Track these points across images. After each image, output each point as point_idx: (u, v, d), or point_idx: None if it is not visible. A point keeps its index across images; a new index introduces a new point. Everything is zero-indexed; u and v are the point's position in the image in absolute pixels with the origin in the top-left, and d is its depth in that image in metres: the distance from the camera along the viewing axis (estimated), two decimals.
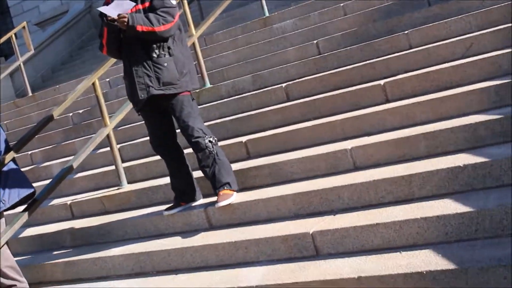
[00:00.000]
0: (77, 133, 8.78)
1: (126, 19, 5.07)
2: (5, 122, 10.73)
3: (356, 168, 5.06)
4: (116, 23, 5.13)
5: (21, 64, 11.98)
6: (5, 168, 5.51)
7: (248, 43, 8.52)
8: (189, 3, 8.32)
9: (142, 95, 5.20)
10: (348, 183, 4.72)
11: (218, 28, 10.21)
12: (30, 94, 12.04)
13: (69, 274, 5.71)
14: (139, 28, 5.08)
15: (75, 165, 6.19)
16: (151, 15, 5.15)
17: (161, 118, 5.38)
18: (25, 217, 5.62)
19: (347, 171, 5.06)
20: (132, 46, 5.24)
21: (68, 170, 6.11)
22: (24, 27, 12.37)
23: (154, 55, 5.19)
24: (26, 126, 10.23)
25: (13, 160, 5.63)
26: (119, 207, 6.32)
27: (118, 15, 5.09)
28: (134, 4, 5.19)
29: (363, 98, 5.87)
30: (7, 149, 5.60)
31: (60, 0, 19.47)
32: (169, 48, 5.22)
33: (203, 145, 5.14)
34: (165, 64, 5.16)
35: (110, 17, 5.15)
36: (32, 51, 12.42)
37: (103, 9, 5.15)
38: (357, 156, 5.07)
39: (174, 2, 5.29)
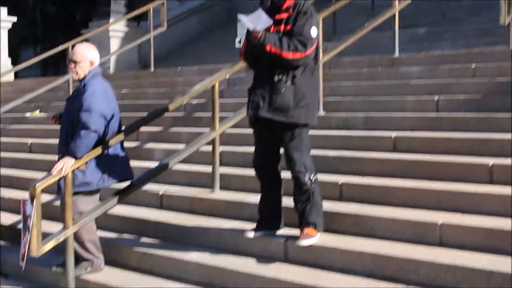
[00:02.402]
0: (186, 123, 9.05)
1: (259, 35, 5.13)
2: (122, 91, 11.13)
3: (441, 245, 5.05)
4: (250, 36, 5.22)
5: (152, 39, 12.39)
6: (112, 148, 5.80)
7: (370, 79, 8.55)
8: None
9: (251, 113, 5.33)
10: (429, 260, 4.73)
11: (347, 50, 10.23)
12: (152, 69, 12.44)
13: (143, 264, 5.95)
14: (267, 47, 5.11)
15: (176, 160, 6.44)
16: (284, 39, 5.16)
17: (272, 139, 5.40)
18: (118, 199, 5.89)
19: (431, 244, 5.06)
20: (262, 63, 5.30)
21: (168, 165, 6.36)
22: (163, 4, 12.76)
23: (276, 78, 5.20)
24: (140, 100, 10.64)
25: (121, 140, 5.91)
26: (206, 211, 6.51)
27: (253, 30, 5.16)
28: (271, 22, 5.23)
29: (468, 173, 5.82)
30: (119, 128, 5.88)
31: None
32: (294, 76, 5.21)
33: (302, 181, 5.23)
34: (282, 91, 5.17)
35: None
36: (165, 28, 12.80)
37: (243, 17, 5.19)
38: (445, 233, 5.06)
39: (314, 34, 5.24)
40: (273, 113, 5.20)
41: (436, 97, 7.35)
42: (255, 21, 5.15)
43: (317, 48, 5.38)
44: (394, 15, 9.17)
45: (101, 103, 5.65)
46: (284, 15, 5.31)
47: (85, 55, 5.85)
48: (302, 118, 5.25)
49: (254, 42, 5.16)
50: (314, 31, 5.26)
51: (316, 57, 5.38)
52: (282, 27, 5.28)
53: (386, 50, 9.95)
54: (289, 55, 5.14)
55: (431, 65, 8.40)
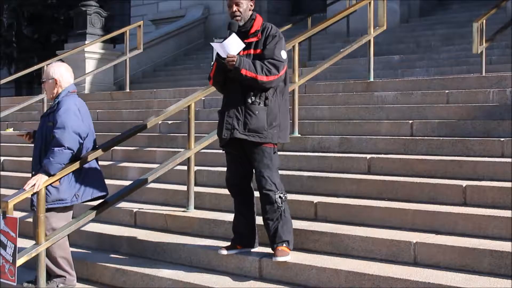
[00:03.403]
0: (161, 143, 9.04)
1: (234, 60, 5.21)
2: (97, 110, 11.10)
3: (416, 264, 5.08)
4: (224, 61, 5.29)
5: (127, 60, 12.42)
6: (86, 165, 5.77)
7: (345, 103, 8.60)
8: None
9: (226, 135, 5.37)
10: (403, 277, 4.75)
11: (322, 76, 10.35)
12: (128, 90, 12.44)
13: (116, 281, 5.90)
14: (243, 71, 5.19)
15: (150, 178, 6.43)
16: (257, 63, 5.25)
17: (243, 159, 5.47)
18: (91, 215, 5.87)
19: (406, 263, 5.09)
20: (234, 86, 5.38)
21: (143, 182, 6.35)
22: (139, 26, 12.79)
23: (249, 100, 5.29)
24: (115, 120, 10.62)
25: (95, 158, 5.89)
26: (180, 230, 6.49)
27: (228, 54, 5.23)
28: (244, 46, 5.30)
29: (441, 194, 5.88)
30: (94, 147, 5.86)
31: (180, 4, 19.97)
32: (266, 98, 5.31)
33: (272, 199, 5.26)
34: (256, 112, 5.26)
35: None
36: (141, 50, 12.82)
37: (216, 45, 5.30)
38: (420, 252, 5.09)
39: (284, 56, 5.36)
40: (248, 134, 5.28)
41: (410, 121, 7.42)
42: (229, 46, 5.21)
43: (285, 71, 5.46)
44: (369, 41, 9.27)
45: (75, 120, 5.61)
46: (253, 39, 5.42)
47: (48, 74, 5.85)
48: (275, 138, 5.36)
49: (230, 66, 5.22)
50: (284, 54, 5.38)
51: (285, 80, 5.48)
52: (252, 51, 5.39)
53: (360, 77, 10.07)
54: (263, 78, 5.24)
55: (405, 90, 8.47)
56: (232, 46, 5.22)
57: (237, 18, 5.40)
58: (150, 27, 20.44)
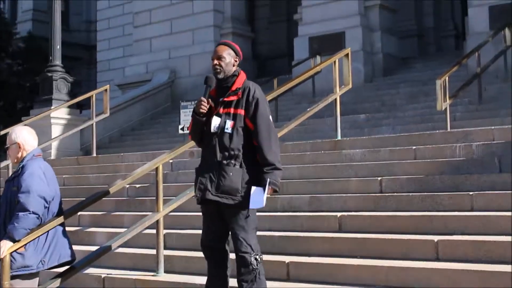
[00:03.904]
0: (129, 207, 8.93)
1: (275, 190, 5.06)
2: (64, 176, 10.97)
3: None
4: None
5: (94, 124, 12.36)
6: (53, 230, 5.63)
7: (314, 162, 8.61)
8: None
9: (198, 195, 5.24)
10: None
11: (289, 136, 10.37)
12: (94, 155, 12.36)
13: None
14: (279, 182, 5.09)
15: (118, 243, 6.32)
16: (273, 156, 5.08)
17: (220, 219, 5.28)
18: (58, 282, 5.70)
19: None
20: (210, 144, 5.22)
21: (111, 247, 6.22)
22: (106, 90, 12.79)
23: (224, 161, 5.13)
24: (82, 185, 10.49)
25: (62, 222, 5.76)
26: None
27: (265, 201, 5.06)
28: (263, 189, 5.05)
29: (414, 250, 5.86)
30: (60, 211, 5.74)
31: (146, 68, 20.06)
32: (243, 159, 5.16)
33: (248, 262, 5.12)
34: (230, 174, 5.09)
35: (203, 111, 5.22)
36: (107, 115, 12.82)
37: (256, 204, 5.09)
38: None
39: (271, 120, 5.24)
40: (220, 196, 5.11)
41: (379, 178, 7.43)
42: (260, 195, 5.05)
43: None
44: (335, 100, 9.34)
45: (40, 184, 5.48)
46: (233, 98, 5.23)
47: (11, 139, 5.73)
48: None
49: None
50: (270, 117, 5.24)
51: None
52: (232, 110, 5.20)
53: (327, 136, 10.12)
54: (278, 157, 5.16)
55: (373, 147, 8.51)
56: (260, 196, 5.04)
57: (218, 72, 5.26)
58: (117, 92, 20.48)
